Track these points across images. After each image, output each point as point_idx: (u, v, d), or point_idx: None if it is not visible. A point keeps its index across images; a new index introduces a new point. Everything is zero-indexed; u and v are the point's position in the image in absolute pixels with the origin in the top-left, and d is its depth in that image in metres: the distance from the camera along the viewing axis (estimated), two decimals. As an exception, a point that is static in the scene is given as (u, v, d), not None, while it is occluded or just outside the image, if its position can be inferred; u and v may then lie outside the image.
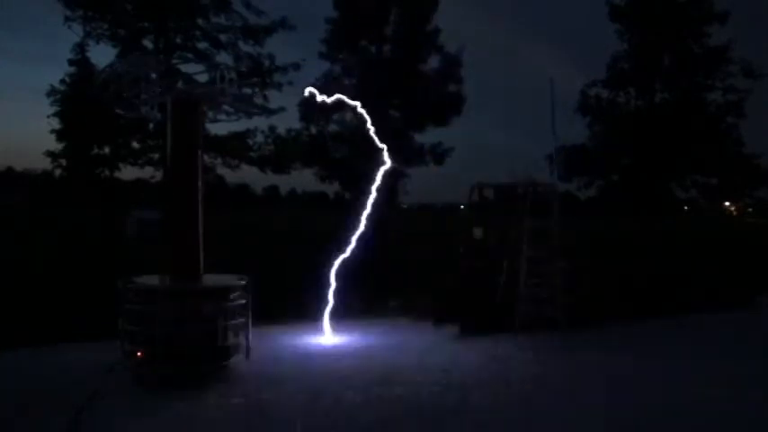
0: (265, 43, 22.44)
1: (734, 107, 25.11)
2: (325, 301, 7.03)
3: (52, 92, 26.50)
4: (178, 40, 21.66)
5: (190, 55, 20.98)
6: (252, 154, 23.90)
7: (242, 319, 5.27)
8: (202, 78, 5.65)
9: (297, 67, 22.73)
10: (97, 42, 22.23)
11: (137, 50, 19.45)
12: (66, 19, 21.56)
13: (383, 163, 6.93)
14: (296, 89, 22.97)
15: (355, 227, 7.06)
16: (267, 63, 22.46)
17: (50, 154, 27.53)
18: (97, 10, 21.28)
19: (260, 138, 23.85)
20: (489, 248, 7.97)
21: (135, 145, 24.63)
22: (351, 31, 26.04)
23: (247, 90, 5.72)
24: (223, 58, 21.25)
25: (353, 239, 6.97)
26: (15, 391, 4.74)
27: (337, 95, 6.93)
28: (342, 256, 7.04)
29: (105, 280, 6.30)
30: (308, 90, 6.58)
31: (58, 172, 28.86)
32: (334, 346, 6.50)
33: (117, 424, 4.15)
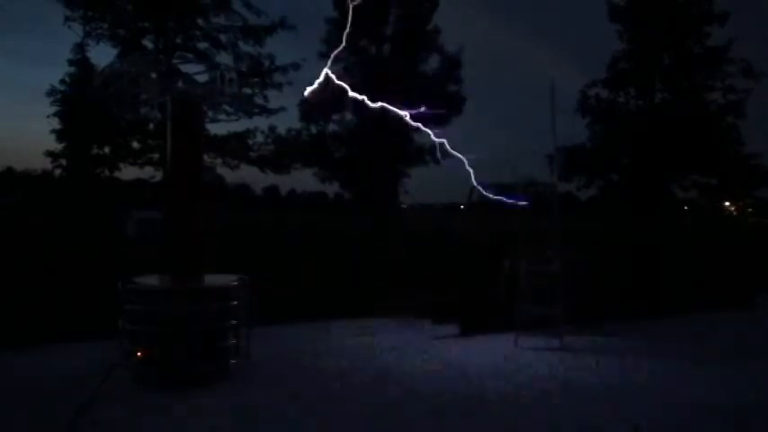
0: (265, 43, 22.48)
1: (734, 107, 25.11)
2: (327, 301, 7.03)
3: (52, 92, 26.54)
4: (178, 40, 21.67)
5: (190, 55, 21.01)
6: (252, 154, 23.92)
7: (242, 319, 5.27)
8: (202, 78, 5.64)
9: (297, 67, 22.76)
10: (97, 42, 22.26)
11: (137, 50, 19.47)
12: (67, 19, 21.59)
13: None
14: (296, 89, 23.01)
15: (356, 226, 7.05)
16: (267, 63, 22.49)
17: (50, 154, 27.57)
18: (97, 10, 21.30)
19: (260, 138, 23.89)
20: (490, 249, 7.97)
21: (135, 145, 24.65)
22: (351, 31, 26.10)
23: (247, 90, 5.70)
24: (223, 58, 21.29)
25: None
26: (15, 391, 4.74)
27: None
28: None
29: (105, 280, 6.30)
30: (313, 85, 6.46)
31: (57, 172, 28.92)
32: (335, 346, 6.50)
33: (117, 424, 4.15)
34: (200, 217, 5.51)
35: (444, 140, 7.01)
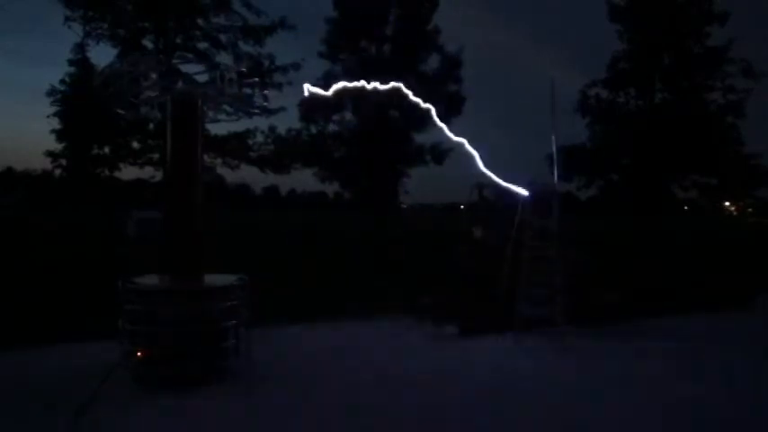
0: (265, 43, 22.53)
1: (734, 107, 25.14)
2: (327, 301, 7.01)
3: (52, 92, 26.55)
4: (178, 41, 21.71)
5: (190, 55, 21.03)
6: (252, 154, 23.95)
7: (242, 319, 5.27)
8: (202, 78, 5.64)
9: (297, 67, 22.83)
10: (97, 42, 22.31)
11: (137, 50, 19.49)
12: (67, 19, 21.63)
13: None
14: (296, 89, 23.08)
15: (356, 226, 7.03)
16: (267, 63, 22.53)
17: (50, 154, 27.58)
18: (97, 10, 21.32)
19: (260, 138, 23.93)
20: (489, 248, 7.97)
21: (135, 145, 24.69)
22: (351, 31, 26.08)
23: (247, 90, 5.69)
24: (223, 58, 21.35)
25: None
26: (15, 392, 4.74)
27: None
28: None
29: (105, 280, 6.30)
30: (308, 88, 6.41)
31: (57, 172, 28.95)
32: (335, 346, 6.50)
33: (117, 424, 4.15)
34: (200, 217, 5.51)
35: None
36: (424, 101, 7.16)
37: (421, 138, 26.52)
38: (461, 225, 8.42)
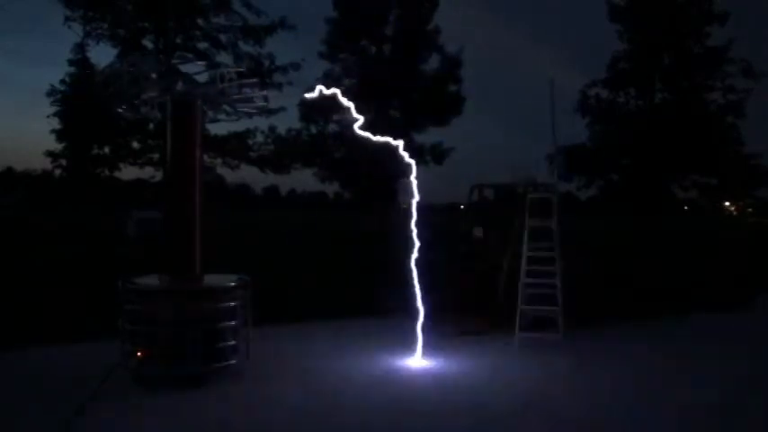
0: (265, 43, 22.53)
1: (734, 107, 25.16)
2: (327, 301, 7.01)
3: (52, 92, 26.56)
4: (178, 41, 21.71)
5: (190, 55, 21.02)
6: (252, 154, 23.94)
7: (242, 319, 5.27)
8: (202, 78, 5.64)
9: (297, 67, 22.82)
10: (97, 42, 22.31)
11: (137, 50, 19.50)
12: (67, 19, 21.63)
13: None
14: (296, 89, 23.07)
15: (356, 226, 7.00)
16: (267, 63, 22.54)
17: (50, 154, 27.62)
18: (97, 10, 21.31)
19: (260, 138, 23.92)
20: (489, 248, 7.96)
21: (135, 145, 24.69)
22: (351, 31, 26.09)
23: (247, 90, 5.69)
24: (223, 58, 21.36)
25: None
26: (15, 392, 4.74)
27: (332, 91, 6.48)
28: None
29: (105, 280, 6.30)
30: (316, 89, 6.28)
31: (57, 172, 28.98)
32: (334, 347, 6.50)
33: (117, 424, 4.15)
34: (200, 217, 5.51)
35: None
36: (424, 101, 7.15)
37: (421, 138, 26.49)
38: (461, 225, 8.41)
